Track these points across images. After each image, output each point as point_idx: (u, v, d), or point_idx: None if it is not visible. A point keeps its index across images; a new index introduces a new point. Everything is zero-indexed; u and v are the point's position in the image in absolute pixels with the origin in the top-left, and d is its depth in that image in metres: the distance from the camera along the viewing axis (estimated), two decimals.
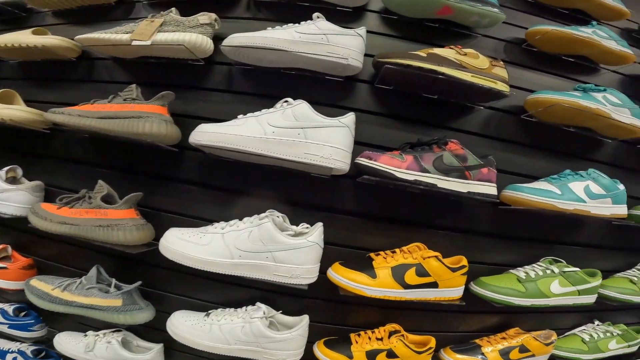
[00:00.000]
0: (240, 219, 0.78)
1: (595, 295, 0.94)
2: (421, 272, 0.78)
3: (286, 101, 0.77)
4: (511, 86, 0.92)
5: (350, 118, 0.76)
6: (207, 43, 0.84)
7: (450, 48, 0.81)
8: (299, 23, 0.82)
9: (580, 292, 0.91)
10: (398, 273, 0.78)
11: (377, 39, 0.92)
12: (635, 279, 1.01)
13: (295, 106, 0.75)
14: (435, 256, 0.78)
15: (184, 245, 0.75)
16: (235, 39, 0.79)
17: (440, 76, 0.76)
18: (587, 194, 0.83)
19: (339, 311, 0.93)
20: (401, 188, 0.82)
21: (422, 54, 0.79)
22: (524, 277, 0.88)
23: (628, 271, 1.05)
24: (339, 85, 0.90)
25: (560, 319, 1.04)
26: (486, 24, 0.90)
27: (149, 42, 0.82)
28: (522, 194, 0.83)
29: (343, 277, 0.78)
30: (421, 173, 0.72)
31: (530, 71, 0.97)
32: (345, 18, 0.91)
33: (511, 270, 0.91)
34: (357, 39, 0.82)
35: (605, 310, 1.05)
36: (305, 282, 0.75)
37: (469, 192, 0.74)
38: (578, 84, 0.90)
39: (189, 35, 0.82)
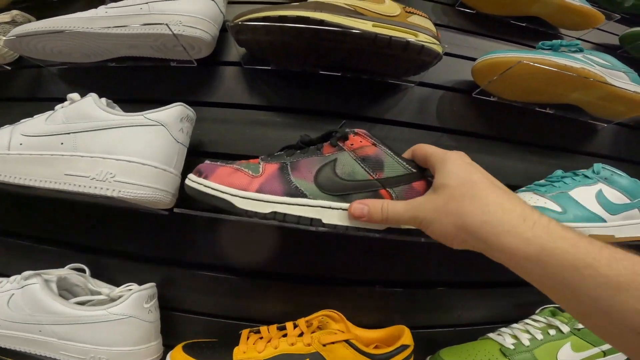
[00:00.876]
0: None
1: None
2: None
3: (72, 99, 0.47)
4: (451, 55, 0.63)
5: (168, 112, 0.45)
6: None
7: None
8: None
9: (606, 353, 0.57)
10: None
11: None
12: None
13: (73, 103, 0.45)
14: (346, 340, 0.44)
15: None
16: (16, 29, 0.56)
17: (320, 27, 0.45)
18: (604, 205, 0.50)
19: None
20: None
21: (294, 3, 0.49)
22: (512, 347, 0.54)
23: None
24: (192, 74, 0.59)
25: None
26: None
27: None
28: None
29: None
30: (286, 198, 0.38)
31: (473, 36, 0.67)
32: None
33: (490, 335, 0.57)
34: (200, 2, 0.54)
35: None
36: None
37: (388, 231, 0.40)
38: (541, 42, 0.60)
39: None
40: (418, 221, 0.33)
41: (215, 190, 0.38)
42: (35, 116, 0.47)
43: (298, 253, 0.58)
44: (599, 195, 0.51)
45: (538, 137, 0.64)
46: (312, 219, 0.38)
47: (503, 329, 0.58)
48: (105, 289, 0.53)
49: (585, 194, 0.50)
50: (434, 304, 0.60)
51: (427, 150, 0.36)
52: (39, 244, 0.60)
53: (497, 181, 0.32)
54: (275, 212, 0.37)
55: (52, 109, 0.60)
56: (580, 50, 0.59)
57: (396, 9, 0.49)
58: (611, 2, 0.78)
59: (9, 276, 0.52)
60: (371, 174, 0.39)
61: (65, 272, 0.51)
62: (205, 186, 0.38)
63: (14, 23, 0.63)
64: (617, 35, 0.77)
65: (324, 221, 0.38)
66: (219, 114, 0.58)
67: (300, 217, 0.38)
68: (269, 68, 0.58)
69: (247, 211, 0.37)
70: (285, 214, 0.38)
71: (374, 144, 0.40)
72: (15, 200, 0.60)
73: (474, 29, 0.68)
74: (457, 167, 0.32)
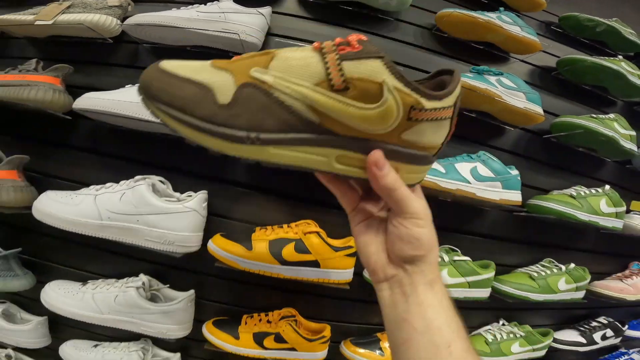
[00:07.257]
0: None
1: (489, 290, 0.89)
2: (301, 248, 0.76)
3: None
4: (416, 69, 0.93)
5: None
6: (110, 23, 0.84)
7: None
8: (205, 4, 0.85)
9: (470, 285, 0.86)
10: (275, 247, 0.76)
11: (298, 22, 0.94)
12: (536, 274, 0.94)
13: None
14: (317, 232, 0.77)
15: (53, 205, 0.74)
16: (135, 18, 0.81)
17: None
18: (474, 175, 0.82)
19: (236, 291, 0.92)
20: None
21: None
22: None
23: (531, 266, 0.99)
24: None
25: (466, 316, 1.02)
26: (395, 5, 0.88)
27: (50, 22, 0.84)
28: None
29: (219, 247, 0.76)
30: None
31: (439, 56, 0.97)
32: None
33: None
34: (256, 17, 0.83)
35: (514, 309, 1.03)
36: (181, 250, 0.73)
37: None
38: (472, 67, 0.89)
39: (90, 15, 0.83)
40: (404, 209, 0.33)
41: None
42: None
43: (293, 178, 0.87)
44: (473, 169, 0.82)
45: (459, 130, 0.94)
46: None
47: None
48: (177, 193, 0.78)
49: (464, 166, 0.82)
50: None
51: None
52: (125, 162, 0.88)
53: None
54: None
55: None
56: (499, 74, 0.88)
57: None
58: (583, 28, 1.02)
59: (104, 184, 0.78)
60: None
61: (156, 179, 0.78)
62: None
63: (121, 7, 0.86)
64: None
65: None
66: None
67: None
68: None
69: None
70: None
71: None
72: (109, 133, 0.88)
73: (442, 50, 0.97)
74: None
